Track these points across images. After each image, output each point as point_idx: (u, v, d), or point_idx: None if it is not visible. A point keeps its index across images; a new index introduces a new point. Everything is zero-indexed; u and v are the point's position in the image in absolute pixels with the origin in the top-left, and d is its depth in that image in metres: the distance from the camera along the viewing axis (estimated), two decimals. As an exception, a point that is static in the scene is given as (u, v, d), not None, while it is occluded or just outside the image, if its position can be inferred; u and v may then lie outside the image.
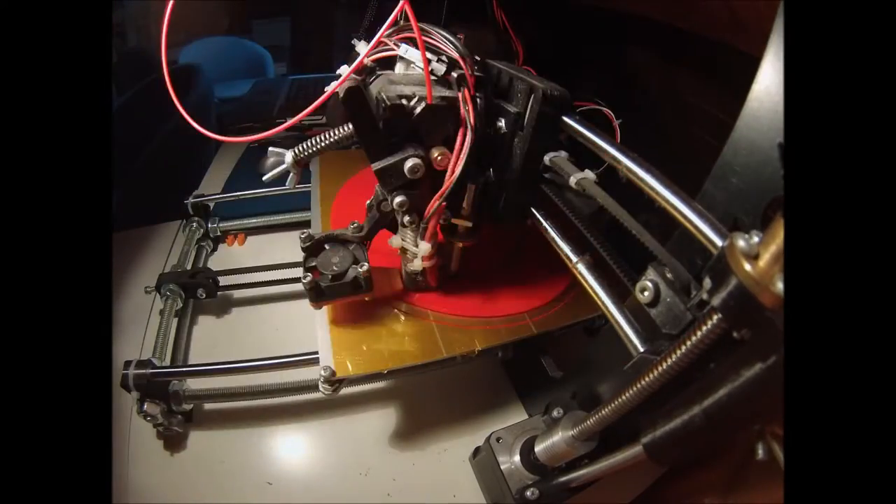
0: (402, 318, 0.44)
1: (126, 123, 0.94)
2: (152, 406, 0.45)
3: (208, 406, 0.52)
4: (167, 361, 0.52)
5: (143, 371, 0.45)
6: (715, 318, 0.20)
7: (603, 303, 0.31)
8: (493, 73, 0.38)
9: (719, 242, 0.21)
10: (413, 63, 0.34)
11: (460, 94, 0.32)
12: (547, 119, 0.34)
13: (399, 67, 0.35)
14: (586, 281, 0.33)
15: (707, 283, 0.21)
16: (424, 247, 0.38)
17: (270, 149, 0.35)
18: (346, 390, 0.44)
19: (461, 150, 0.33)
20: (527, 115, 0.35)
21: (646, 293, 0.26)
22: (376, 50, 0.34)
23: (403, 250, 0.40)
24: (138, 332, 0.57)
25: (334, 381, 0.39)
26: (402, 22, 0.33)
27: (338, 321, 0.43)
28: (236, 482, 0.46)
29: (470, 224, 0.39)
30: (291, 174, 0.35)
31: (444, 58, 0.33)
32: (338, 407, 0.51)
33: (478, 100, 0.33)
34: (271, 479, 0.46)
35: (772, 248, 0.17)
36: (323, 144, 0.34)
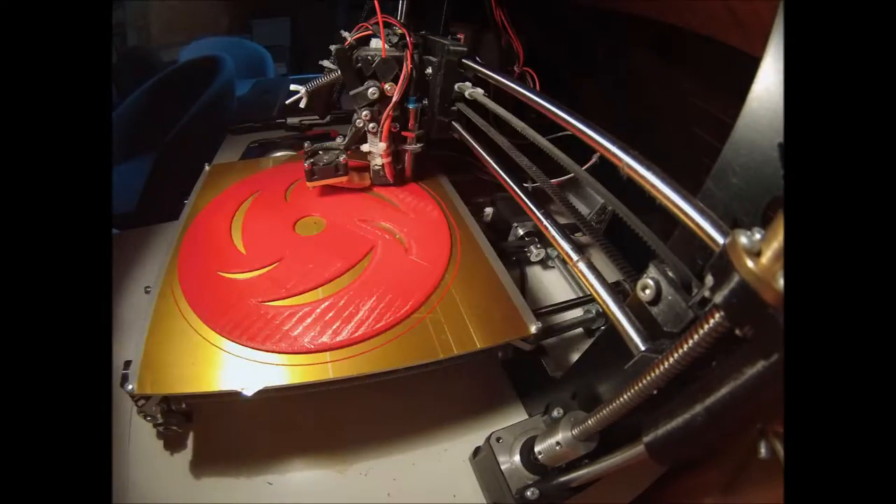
0: (207, 346, 0.42)
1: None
2: (153, 406, 0.44)
3: (208, 406, 0.52)
4: (167, 361, 0.52)
5: (143, 371, 0.45)
6: (717, 315, 0.20)
7: (604, 301, 0.31)
8: (429, 42, 0.58)
9: (721, 240, 0.22)
10: (379, 38, 0.53)
11: (404, 53, 0.53)
12: (451, 63, 0.55)
13: (373, 43, 0.54)
14: (587, 280, 0.33)
15: (709, 280, 0.21)
16: (381, 145, 0.57)
17: (292, 85, 0.55)
18: (345, 390, 0.44)
19: (401, 81, 0.53)
20: (441, 62, 0.55)
21: (647, 291, 0.26)
22: (358, 30, 0.54)
23: (370, 153, 0.59)
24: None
25: (136, 397, 0.39)
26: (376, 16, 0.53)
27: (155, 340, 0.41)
28: (236, 482, 0.46)
29: (414, 133, 0.59)
30: (303, 98, 0.55)
31: (397, 33, 0.54)
32: (338, 406, 0.51)
33: (414, 56, 0.53)
34: (271, 479, 0.46)
35: (774, 244, 0.17)
36: (323, 81, 0.55)
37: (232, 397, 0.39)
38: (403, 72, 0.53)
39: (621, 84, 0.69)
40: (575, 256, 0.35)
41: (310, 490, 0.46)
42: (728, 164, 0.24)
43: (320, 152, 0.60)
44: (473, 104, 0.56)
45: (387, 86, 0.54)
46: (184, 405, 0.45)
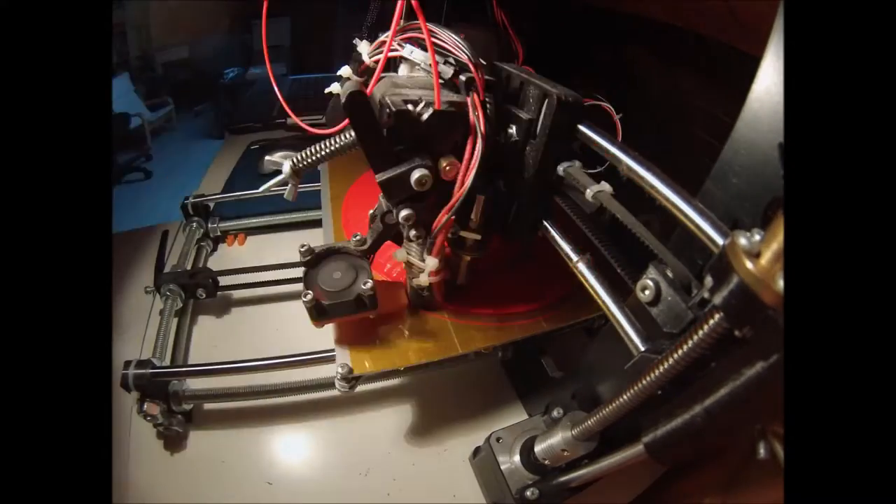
0: (416, 314, 0.44)
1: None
2: (152, 406, 0.45)
3: (208, 406, 0.52)
4: (167, 361, 0.52)
5: (143, 371, 0.45)
6: (716, 316, 0.20)
7: (603, 302, 0.31)
8: (502, 77, 0.36)
9: (720, 241, 0.21)
10: (418, 65, 0.32)
11: (469, 99, 0.30)
12: (561, 127, 0.32)
13: (403, 69, 0.34)
14: (587, 280, 0.33)
15: (708, 281, 0.21)
16: (431, 262, 0.36)
17: (267, 158, 0.35)
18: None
19: (471, 159, 0.31)
20: (540, 123, 0.33)
21: (647, 292, 0.26)
22: (379, 50, 0.32)
23: (409, 264, 0.38)
24: (138, 332, 0.57)
25: (351, 379, 0.39)
26: (403, 22, 0.31)
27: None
28: (236, 482, 0.46)
29: (478, 237, 0.37)
30: (290, 185, 0.34)
31: (450, 60, 0.31)
32: (338, 407, 0.51)
33: (488, 105, 0.31)
34: (271, 479, 0.46)
35: (773, 246, 0.17)
36: (323, 153, 0.33)
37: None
38: (474, 139, 0.30)
39: (621, 84, 0.69)
40: (574, 257, 0.35)
41: (310, 490, 0.46)
42: (728, 164, 0.24)
43: (325, 262, 0.39)
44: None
45: (444, 163, 0.31)
46: (184, 405, 0.46)
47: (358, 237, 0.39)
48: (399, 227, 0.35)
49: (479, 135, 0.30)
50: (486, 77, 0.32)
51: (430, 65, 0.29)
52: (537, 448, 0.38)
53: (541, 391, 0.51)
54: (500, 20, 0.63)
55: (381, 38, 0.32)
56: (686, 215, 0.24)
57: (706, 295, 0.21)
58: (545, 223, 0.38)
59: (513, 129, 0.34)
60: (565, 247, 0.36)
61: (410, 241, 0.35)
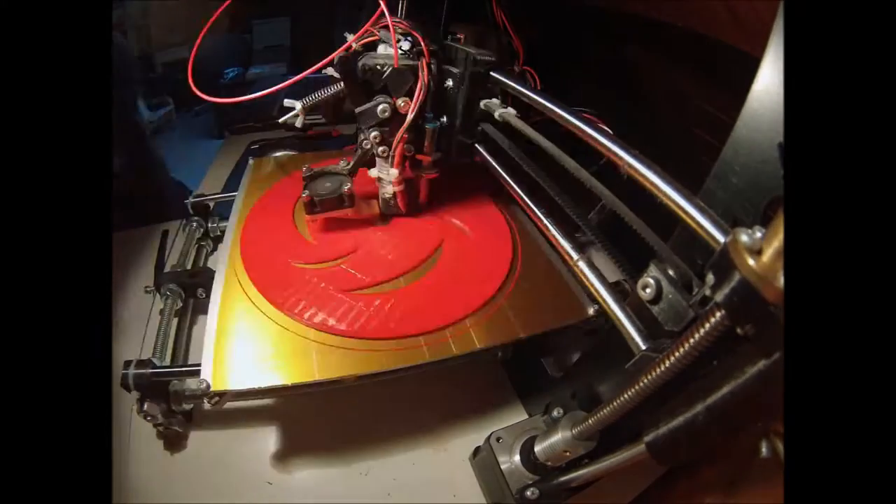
0: (285, 333, 0.43)
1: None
2: (152, 406, 0.44)
3: (208, 406, 0.52)
4: (167, 361, 0.52)
5: (144, 371, 0.45)
6: (718, 314, 0.20)
7: (604, 300, 0.31)
8: (448, 50, 0.51)
9: (722, 238, 0.22)
10: (388, 44, 0.45)
11: (419, 63, 0.45)
12: (477, 75, 0.47)
13: (380, 49, 0.47)
14: (587, 279, 0.33)
15: (710, 279, 0.21)
16: (394, 172, 0.50)
17: (286, 100, 0.50)
18: (346, 390, 0.44)
19: (417, 97, 0.46)
20: (466, 75, 0.48)
21: (648, 290, 0.26)
22: (364, 36, 0.46)
23: (379, 179, 0.52)
24: (138, 332, 0.57)
25: (212, 395, 0.40)
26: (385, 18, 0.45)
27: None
28: (236, 482, 0.45)
29: (430, 158, 0.51)
30: (300, 117, 0.50)
31: (409, 38, 0.46)
32: (338, 407, 0.51)
33: (431, 66, 0.46)
34: (271, 479, 0.46)
35: (775, 243, 0.17)
36: (323, 96, 0.50)
37: (316, 388, 0.41)
38: (419, 85, 0.45)
39: (621, 84, 0.69)
40: (575, 255, 0.35)
41: (310, 490, 0.46)
42: (728, 164, 0.24)
43: (320, 177, 0.53)
44: (501, 125, 0.49)
45: (400, 101, 0.45)
46: (184, 405, 0.45)
47: (344, 161, 0.53)
48: (372, 151, 0.49)
49: (423, 82, 0.45)
50: (431, 48, 0.46)
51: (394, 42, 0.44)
52: (537, 448, 0.38)
53: (541, 391, 0.51)
54: (499, 20, 0.63)
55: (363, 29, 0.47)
56: (687, 213, 0.24)
57: (707, 293, 0.21)
58: (478, 147, 0.53)
59: (450, 83, 0.49)
60: (566, 245, 0.36)
61: (379, 157, 0.49)
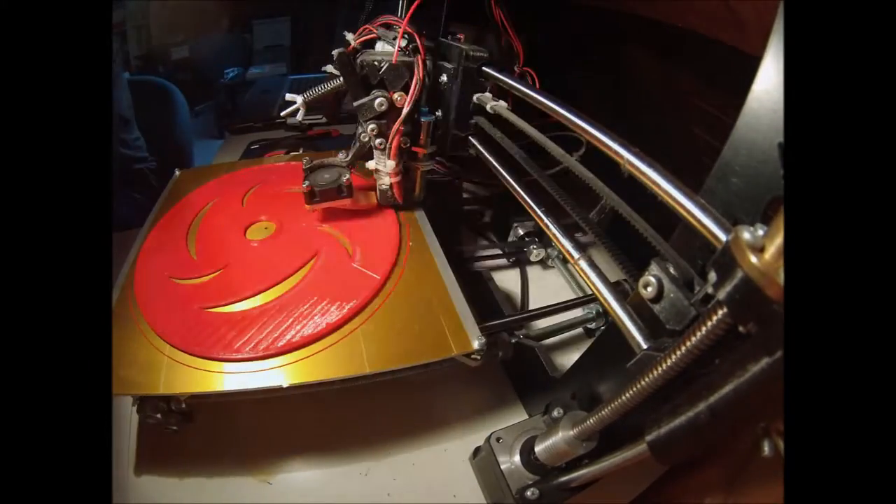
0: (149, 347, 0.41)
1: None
2: (152, 405, 0.44)
3: (208, 406, 0.52)
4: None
5: (143, 371, 0.45)
6: (720, 312, 0.20)
7: (605, 299, 0.31)
8: (443, 47, 0.53)
9: (723, 236, 0.21)
10: (385, 41, 0.48)
11: (415, 59, 0.47)
12: (470, 70, 0.50)
13: (378, 46, 0.49)
14: (588, 278, 0.33)
15: (712, 277, 0.20)
16: (391, 163, 0.51)
17: (287, 94, 0.50)
18: (346, 390, 0.43)
19: (413, 91, 0.47)
20: (459, 70, 0.51)
21: (649, 289, 0.26)
22: (363, 34, 0.49)
23: (377, 171, 0.53)
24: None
25: None
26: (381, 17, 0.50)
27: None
28: (236, 482, 0.45)
29: (426, 150, 0.53)
30: (301, 111, 0.50)
31: (406, 36, 0.47)
32: (338, 407, 0.51)
33: (427, 62, 0.48)
34: (271, 479, 0.46)
35: (777, 240, 0.17)
36: (323, 91, 0.51)
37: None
38: (415, 80, 0.47)
39: (621, 84, 0.69)
40: (576, 254, 0.35)
41: (310, 490, 0.46)
42: (728, 163, 0.24)
43: (319, 169, 0.54)
44: (493, 118, 0.51)
45: (396, 96, 0.47)
46: (183, 405, 0.45)
47: (343, 153, 0.55)
48: (370, 144, 0.51)
49: (418, 77, 0.47)
50: (427, 44, 0.49)
51: (392, 39, 0.47)
52: (537, 448, 0.38)
53: (541, 391, 0.51)
54: (499, 20, 0.63)
55: (362, 27, 0.50)
56: (689, 211, 0.24)
57: (709, 291, 0.21)
58: (472, 140, 0.55)
59: (444, 78, 0.53)
60: (567, 244, 0.36)
61: (377, 148, 0.51)
